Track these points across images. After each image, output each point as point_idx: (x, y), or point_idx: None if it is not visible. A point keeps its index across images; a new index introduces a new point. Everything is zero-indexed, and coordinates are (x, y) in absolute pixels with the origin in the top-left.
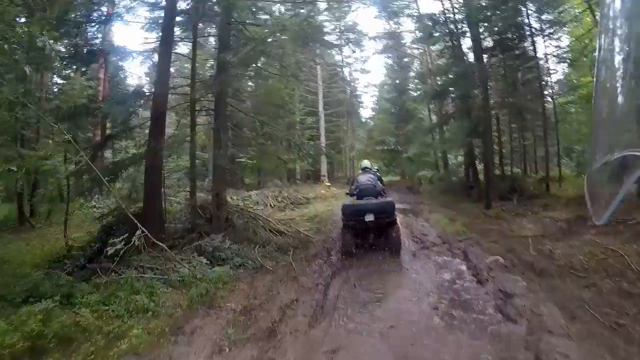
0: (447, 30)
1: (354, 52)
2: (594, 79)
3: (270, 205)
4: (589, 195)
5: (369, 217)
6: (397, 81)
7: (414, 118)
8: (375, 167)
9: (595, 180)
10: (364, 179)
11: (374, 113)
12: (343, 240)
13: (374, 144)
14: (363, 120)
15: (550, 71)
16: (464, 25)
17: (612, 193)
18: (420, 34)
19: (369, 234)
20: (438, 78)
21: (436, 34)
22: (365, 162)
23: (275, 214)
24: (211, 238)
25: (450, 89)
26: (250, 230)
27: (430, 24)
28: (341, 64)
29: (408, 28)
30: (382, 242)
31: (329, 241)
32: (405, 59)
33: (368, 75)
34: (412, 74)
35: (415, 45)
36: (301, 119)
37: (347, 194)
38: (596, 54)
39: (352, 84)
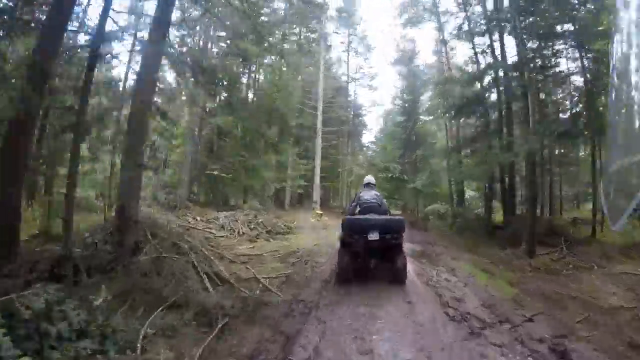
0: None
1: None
2: (611, 86)
3: (239, 232)
4: (605, 200)
5: (373, 235)
6: (407, 104)
7: (425, 144)
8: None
9: (611, 186)
10: (368, 195)
11: (378, 136)
12: (340, 262)
13: (376, 171)
14: (365, 144)
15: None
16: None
17: (627, 198)
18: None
19: (370, 257)
20: (462, 89)
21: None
22: (370, 177)
23: (240, 245)
24: (57, 288)
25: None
26: (169, 272)
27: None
28: (346, 78)
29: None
30: (385, 271)
31: (301, 306)
32: (420, 67)
33: (375, 94)
34: (426, 95)
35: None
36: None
37: (342, 212)
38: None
39: (356, 102)
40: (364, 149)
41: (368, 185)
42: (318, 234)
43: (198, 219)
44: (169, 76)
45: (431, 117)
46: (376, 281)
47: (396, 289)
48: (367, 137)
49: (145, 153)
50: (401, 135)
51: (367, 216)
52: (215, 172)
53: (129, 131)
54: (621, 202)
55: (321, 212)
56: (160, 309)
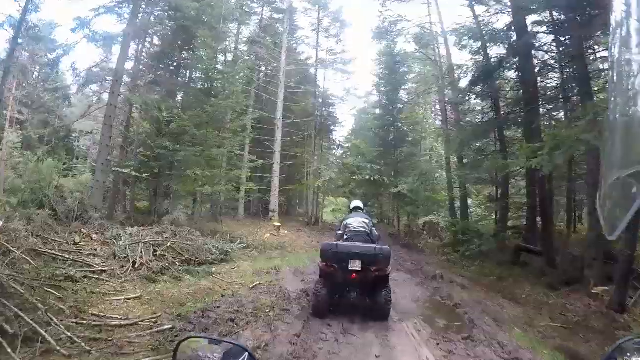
0: None
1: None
2: (609, 91)
3: (135, 263)
4: (601, 210)
5: (355, 265)
6: (387, 93)
7: (410, 140)
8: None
9: (607, 196)
10: (357, 222)
11: (354, 130)
12: (315, 295)
13: (348, 172)
14: (337, 141)
15: None
16: None
17: (624, 208)
18: None
19: (352, 289)
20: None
21: None
22: (357, 202)
23: (122, 290)
24: None
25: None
26: None
27: None
28: (314, 63)
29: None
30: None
31: None
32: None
33: (349, 83)
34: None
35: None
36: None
37: (308, 223)
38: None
39: (326, 92)
40: (335, 146)
41: (356, 209)
42: (268, 260)
43: (94, 237)
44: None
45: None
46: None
47: None
48: (340, 134)
49: None
50: (380, 131)
51: (348, 243)
52: (126, 171)
53: None
54: (618, 211)
55: (279, 224)
56: None
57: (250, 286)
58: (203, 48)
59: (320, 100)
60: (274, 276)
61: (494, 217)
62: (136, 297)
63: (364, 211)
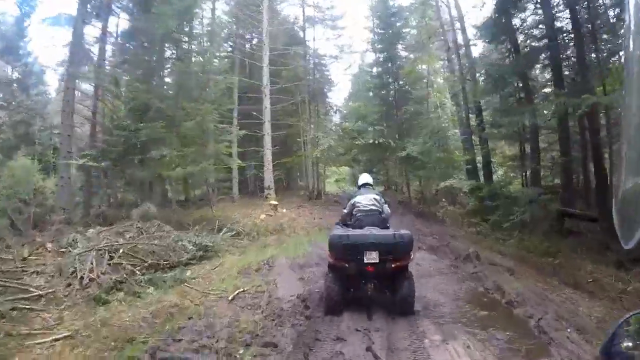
0: None
1: None
2: (624, 88)
3: (84, 279)
4: (617, 216)
5: (371, 257)
6: (383, 44)
7: (414, 97)
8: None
9: (623, 201)
10: (366, 200)
11: (351, 92)
12: (327, 289)
13: (348, 138)
14: (333, 105)
15: None
16: None
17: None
18: None
19: (368, 281)
20: None
21: None
22: (366, 177)
23: (57, 323)
24: None
25: None
26: None
27: None
28: (302, 22)
29: None
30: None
31: None
32: None
33: (342, 40)
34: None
35: None
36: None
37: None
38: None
39: (317, 52)
40: (332, 111)
41: (364, 186)
42: (261, 250)
43: (49, 247)
44: None
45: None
46: None
47: None
48: (337, 97)
49: None
50: (379, 92)
51: (362, 231)
52: (81, 161)
53: None
54: (633, 219)
55: (276, 203)
56: None
57: (230, 297)
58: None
59: (312, 63)
60: (265, 275)
61: (519, 178)
62: (68, 336)
63: (373, 187)
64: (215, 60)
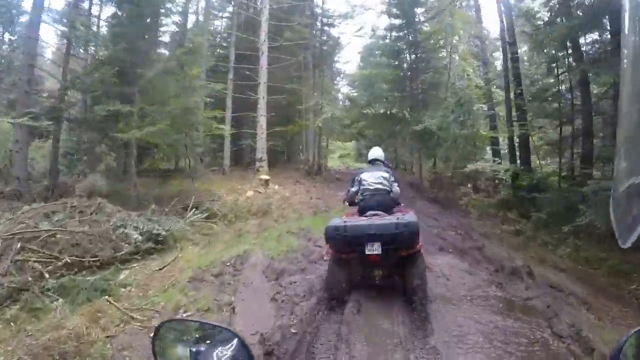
0: None
1: None
2: (621, 86)
3: None
4: (614, 215)
5: (373, 249)
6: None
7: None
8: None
9: (621, 200)
10: (373, 178)
11: (362, 56)
12: (329, 278)
13: (356, 108)
14: (342, 70)
15: None
16: None
17: (638, 215)
18: None
19: (373, 270)
20: None
21: None
22: (376, 151)
23: None
24: None
25: None
26: None
27: None
28: None
29: None
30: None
31: None
32: None
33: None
34: None
35: None
36: None
37: (308, 172)
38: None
39: (325, 8)
40: (339, 78)
41: (373, 162)
42: (233, 241)
43: None
44: None
45: None
46: None
47: None
48: (346, 61)
49: None
50: (392, 61)
51: (359, 222)
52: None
53: None
54: (631, 218)
55: (267, 177)
56: None
57: (158, 323)
58: None
59: (320, 20)
60: (224, 286)
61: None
62: None
63: (385, 162)
64: None
